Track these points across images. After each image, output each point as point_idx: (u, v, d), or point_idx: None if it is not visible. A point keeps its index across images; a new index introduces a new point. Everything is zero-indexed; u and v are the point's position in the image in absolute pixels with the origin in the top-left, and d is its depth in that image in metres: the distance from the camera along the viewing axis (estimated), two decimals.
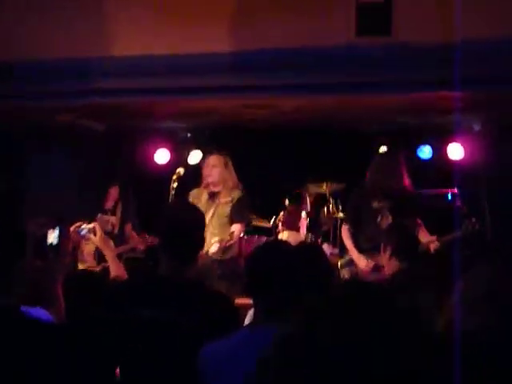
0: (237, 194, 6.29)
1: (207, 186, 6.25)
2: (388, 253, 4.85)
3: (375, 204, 6.00)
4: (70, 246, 4.23)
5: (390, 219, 5.92)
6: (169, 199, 6.26)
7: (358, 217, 6.07)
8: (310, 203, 8.08)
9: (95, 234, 3.92)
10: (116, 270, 3.76)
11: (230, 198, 6.31)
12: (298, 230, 7.58)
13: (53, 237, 3.87)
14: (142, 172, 8.47)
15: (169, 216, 3.12)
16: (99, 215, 7.07)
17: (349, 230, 6.13)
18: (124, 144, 8.41)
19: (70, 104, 6.71)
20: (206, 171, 6.27)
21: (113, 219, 7.24)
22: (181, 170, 6.44)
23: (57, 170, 7.66)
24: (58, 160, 7.73)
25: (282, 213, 7.70)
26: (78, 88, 6.23)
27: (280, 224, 7.67)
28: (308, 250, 3.29)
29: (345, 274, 6.11)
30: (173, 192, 6.23)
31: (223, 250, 6.04)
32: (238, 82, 5.91)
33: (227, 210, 6.32)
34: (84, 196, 7.45)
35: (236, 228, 6.27)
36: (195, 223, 3.10)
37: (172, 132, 8.62)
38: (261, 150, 8.37)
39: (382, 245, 4.95)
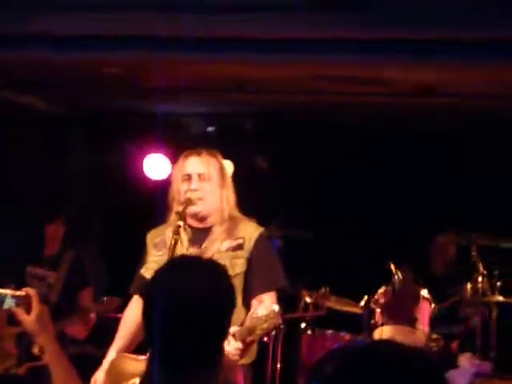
0: (251, 229, 4.03)
1: (184, 216, 3.96)
2: None
3: None
4: None
5: None
6: (169, 253, 3.98)
7: None
8: (439, 272, 6.50)
9: (29, 310, 2.90)
10: (62, 376, 2.85)
11: (239, 240, 4.00)
12: (412, 322, 5.78)
13: None
14: (116, 195, 6.97)
15: (166, 288, 2.17)
16: (29, 268, 5.73)
17: None
18: (85, 140, 7.07)
19: None
20: (181, 185, 4.04)
21: (51, 276, 5.74)
22: (193, 196, 4.08)
23: None
24: None
25: (382, 289, 5.98)
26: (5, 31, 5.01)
27: (378, 310, 5.89)
28: (420, 370, 1.76)
29: None
30: (175, 237, 3.91)
31: (243, 350, 3.74)
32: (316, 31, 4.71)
33: (239, 264, 3.98)
34: (6, 229, 6.11)
35: (270, 303, 3.77)
36: (218, 301, 2.17)
37: (178, 123, 6.86)
38: (346, 164, 6.78)
39: None
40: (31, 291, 2.95)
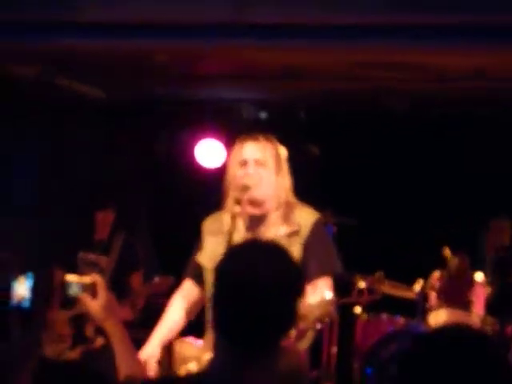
0: (307, 215, 3.95)
1: (241, 202, 3.87)
2: None
3: None
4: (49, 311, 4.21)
5: None
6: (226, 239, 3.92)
7: None
8: (494, 257, 6.27)
9: (94, 296, 2.92)
10: (128, 362, 2.87)
11: (295, 227, 3.91)
12: (467, 306, 5.72)
13: (21, 293, 3.23)
14: (167, 181, 7.01)
15: (233, 270, 2.09)
16: (80, 254, 5.71)
17: None
18: (136, 128, 6.92)
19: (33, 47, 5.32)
20: (238, 171, 3.94)
21: (102, 261, 5.76)
22: (249, 182, 3.98)
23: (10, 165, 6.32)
24: (13, 147, 6.31)
25: (437, 272, 5.88)
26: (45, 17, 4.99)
27: (433, 294, 5.81)
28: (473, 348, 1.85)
29: None
30: (230, 228, 3.87)
31: (300, 334, 3.77)
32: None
33: (295, 250, 3.82)
34: (54, 215, 6.12)
35: (326, 291, 3.77)
36: (286, 284, 2.10)
37: (231, 109, 6.80)
38: (397, 150, 6.66)
39: None
40: (98, 278, 2.98)
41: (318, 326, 4.02)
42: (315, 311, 3.67)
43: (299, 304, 2.13)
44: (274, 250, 2.21)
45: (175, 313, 3.84)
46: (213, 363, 2.12)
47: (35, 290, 3.32)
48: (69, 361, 5.03)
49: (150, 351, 3.72)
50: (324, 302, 3.67)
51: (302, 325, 3.70)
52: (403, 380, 1.79)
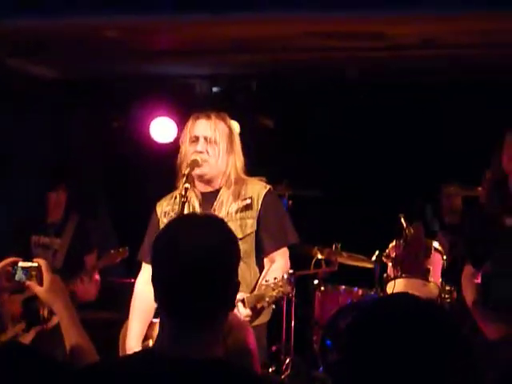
0: (258, 188, 3.96)
1: (190, 178, 3.88)
2: None
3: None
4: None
5: None
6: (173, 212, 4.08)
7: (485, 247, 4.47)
8: (448, 221, 5.85)
9: (40, 279, 2.87)
10: (76, 343, 2.79)
11: (247, 201, 3.93)
12: (424, 274, 5.55)
13: None
14: (122, 157, 6.85)
15: (172, 244, 2.12)
16: (33, 237, 5.61)
17: (472, 273, 4.51)
18: (89, 107, 6.84)
19: None
20: (188, 147, 3.94)
21: (56, 243, 5.64)
22: (198, 158, 4.00)
23: None
24: None
25: (393, 242, 5.73)
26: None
27: (390, 264, 5.63)
28: (427, 318, 1.86)
29: None
30: (183, 199, 3.85)
31: (257, 313, 3.73)
32: None
33: (249, 224, 3.89)
34: (7, 200, 6.00)
35: (282, 263, 3.87)
36: (224, 255, 2.12)
37: (183, 85, 6.64)
38: (349, 120, 6.51)
39: None
40: (41, 261, 2.93)
41: (273, 306, 4.02)
42: (271, 292, 3.65)
43: (233, 278, 2.12)
44: (200, 225, 2.22)
45: (144, 302, 3.77)
46: (159, 338, 2.14)
47: None
48: (22, 344, 5.06)
49: (133, 345, 3.71)
50: (280, 283, 3.64)
51: (258, 305, 3.68)
52: (347, 351, 1.79)
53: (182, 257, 2.09)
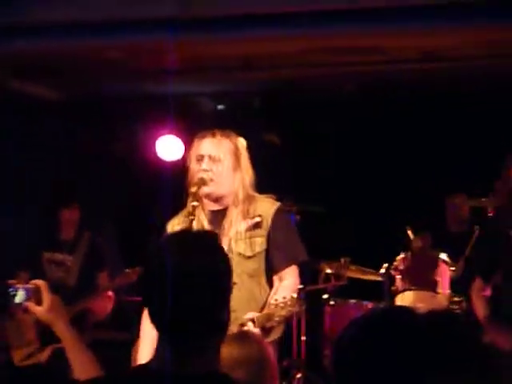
0: (267, 206, 3.94)
1: (197, 197, 3.90)
2: None
3: None
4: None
5: None
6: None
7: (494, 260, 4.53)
8: (454, 232, 6.21)
9: (39, 302, 2.85)
10: (80, 362, 2.83)
11: (256, 219, 3.91)
12: (433, 286, 5.62)
13: None
14: (128, 176, 6.88)
15: (162, 263, 2.11)
16: (45, 254, 5.64)
17: (481, 287, 4.54)
18: (96, 125, 6.91)
19: None
20: (195, 166, 3.95)
21: (69, 260, 5.68)
22: (204, 176, 4.02)
23: None
24: None
25: (401, 255, 5.78)
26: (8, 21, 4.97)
27: (398, 276, 5.72)
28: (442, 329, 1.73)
29: None
30: (191, 217, 3.87)
31: (266, 331, 3.71)
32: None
33: (258, 243, 3.89)
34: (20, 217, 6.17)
35: (291, 281, 3.84)
36: (217, 274, 2.14)
37: (190, 104, 6.80)
38: (353, 135, 6.66)
39: None
40: (40, 282, 2.95)
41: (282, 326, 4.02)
42: (280, 311, 3.67)
43: (225, 297, 2.13)
44: (190, 243, 2.23)
45: (150, 339, 3.63)
46: (157, 352, 2.16)
47: None
48: (34, 364, 5.16)
49: None
50: (289, 302, 3.66)
51: (267, 324, 3.72)
52: (340, 367, 1.74)
53: (173, 275, 2.09)
